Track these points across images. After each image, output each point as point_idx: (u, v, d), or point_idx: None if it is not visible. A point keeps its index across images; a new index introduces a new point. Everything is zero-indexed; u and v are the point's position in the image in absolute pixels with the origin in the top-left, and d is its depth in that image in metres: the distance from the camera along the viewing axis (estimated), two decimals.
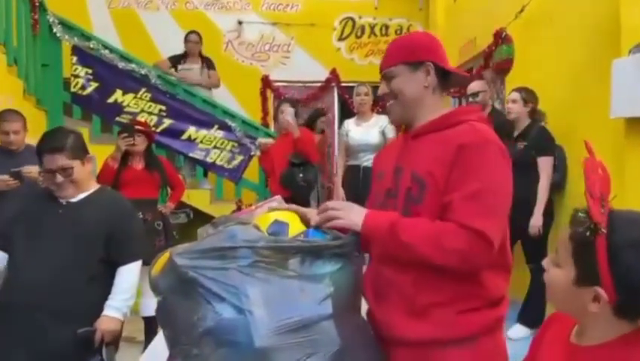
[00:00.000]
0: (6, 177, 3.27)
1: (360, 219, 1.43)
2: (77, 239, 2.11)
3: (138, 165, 3.87)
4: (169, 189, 4.24)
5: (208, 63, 5.90)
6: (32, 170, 3.38)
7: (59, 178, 2.11)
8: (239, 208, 5.01)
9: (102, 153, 3.98)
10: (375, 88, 4.75)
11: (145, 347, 3.53)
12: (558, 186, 3.80)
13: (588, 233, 0.95)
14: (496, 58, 4.92)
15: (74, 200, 2.18)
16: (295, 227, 1.54)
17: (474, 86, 4.35)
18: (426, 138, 1.48)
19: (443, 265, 1.34)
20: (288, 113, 4.37)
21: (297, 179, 4.25)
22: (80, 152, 2.19)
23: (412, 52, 1.53)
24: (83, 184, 2.21)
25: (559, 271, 1.02)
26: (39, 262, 2.05)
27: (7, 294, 2.11)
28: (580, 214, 0.99)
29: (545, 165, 3.64)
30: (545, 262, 1.08)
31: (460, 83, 1.54)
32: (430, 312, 1.40)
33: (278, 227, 1.52)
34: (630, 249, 0.92)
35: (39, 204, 2.19)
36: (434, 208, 1.37)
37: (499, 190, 1.36)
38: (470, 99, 4.26)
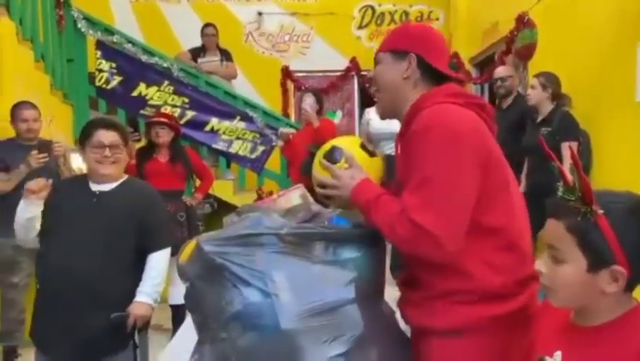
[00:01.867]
0: (35, 152, 3.29)
1: (348, 195, 1.42)
2: (112, 228, 2.17)
3: (164, 157, 3.93)
4: (196, 180, 4.29)
5: (226, 55, 5.94)
6: (61, 143, 3.45)
7: (108, 153, 2.19)
8: (259, 197, 5.06)
9: None
10: None
11: (173, 335, 3.61)
12: (583, 171, 3.74)
13: (588, 218, 0.95)
14: (519, 43, 4.85)
15: (106, 189, 2.25)
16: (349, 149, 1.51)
17: (501, 70, 4.30)
18: (405, 136, 1.43)
19: (401, 250, 1.36)
20: (307, 103, 4.40)
21: None
22: (127, 137, 2.33)
23: (400, 41, 1.49)
24: (120, 170, 2.29)
25: (566, 267, 0.99)
26: (75, 251, 2.11)
27: (44, 281, 2.19)
28: (571, 203, 0.98)
29: (568, 150, 3.58)
30: (541, 265, 1.04)
31: (440, 81, 1.46)
32: (417, 301, 1.43)
33: (333, 151, 1.51)
34: (630, 219, 0.94)
35: (71, 193, 2.25)
36: None
37: (443, 179, 1.26)
38: (499, 82, 4.22)
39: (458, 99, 1.39)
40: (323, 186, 1.49)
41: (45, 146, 3.34)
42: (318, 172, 1.52)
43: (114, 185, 2.26)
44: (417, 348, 1.45)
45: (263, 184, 5.71)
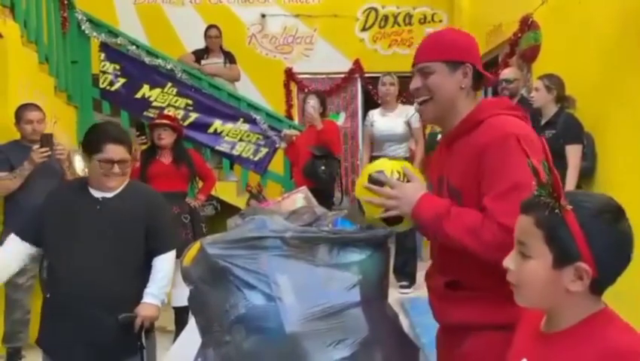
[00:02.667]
0: (36, 146, 3.26)
1: (409, 210, 1.42)
2: (118, 234, 2.16)
3: (167, 159, 3.93)
4: (199, 182, 4.29)
5: (229, 57, 5.95)
6: (63, 146, 3.43)
7: (117, 169, 2.16)
8: (250, 193, 5.06)
9: None
10: (400, 78, 4.77)
11: (176, 337, 3.61)
12: (587, 174, 3.72)
13: (556, 212, 0.96)
14: (523, 45, 4.84)
15: (109, 195, 2.23)
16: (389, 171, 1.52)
17: (508, 72, 4.29)
18: (458, 143, 1.48)
19: (484, 258, 1.33)
20: (310, 105, 4.40)
21: (319, 171, 4.27)
22: (131, 148, 2.28)
23: (452, 51, 1.50)
24: (125, 180, 2.28)
25: (533, 263, 0.99)
26: (84, 260, 2.10)
27: (54, 291, 2.17)
28: (542, 198, 0.99)
29: (573, 154, 3.57)
30: (509, 262, 1.04)
31: (487, 86, 1.51)
32: (464, 298, 1.42)
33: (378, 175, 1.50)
34: (598, 216, 0.95)
35: (73, 200, 2.22)
36: None
37: (527, 184, 1.33)
38: (504, 84, 4.20)
39: (515, 112, 1.47)
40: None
41: (47, 139, 3.33)
42: (363, 192, 1.50)
43: (116, 191, 2.26)
44: (454, 344, 1.46)
45: (266, 186, 5.71)
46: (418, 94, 1.54)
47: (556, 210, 0.96)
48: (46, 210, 2.19)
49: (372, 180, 1.47)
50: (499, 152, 1.35)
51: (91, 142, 2.20)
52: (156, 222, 2.26)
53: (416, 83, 1.53)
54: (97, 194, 2.22)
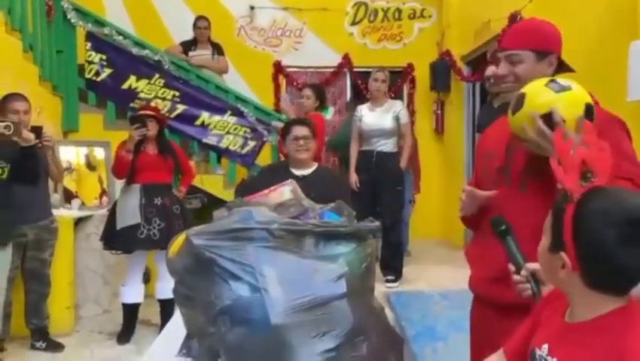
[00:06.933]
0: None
1: None
2: None
3: (153, 150, 3.88)
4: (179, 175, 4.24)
5: (218, 49, 5.90)
6: (50, 135, 3.38)
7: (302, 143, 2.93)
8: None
9: (117, 138, 4.00)
10: (389, 73, 4.77)
11: (161, 330, 3.59)
12: None
13: (562, 201, 0.99)
14: None
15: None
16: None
17: (494, 69, 4.30)
18: None
19: None
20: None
21: None
22: None
23: (542, 41, 1.54)
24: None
25: (543, 240, 1.06)
26: None
27: None
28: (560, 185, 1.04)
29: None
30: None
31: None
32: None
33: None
34: (594, 216, 0.94)
35: None
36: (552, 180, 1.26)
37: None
38: (492, 80, 4.21)
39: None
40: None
41: (35, 132, 3.28)
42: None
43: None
44: (504, 324, 1.44)
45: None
46: (503, 80, 1.57)
47: (562, 199, 1.00)
48: None
49: (544, 115, 1.30)
50: (613, 131, 1.39)
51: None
52: None
53: (503, 69, 1.56)
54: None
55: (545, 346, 1.04)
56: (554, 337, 1.04)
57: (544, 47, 1.53)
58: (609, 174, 1.06)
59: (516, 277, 1.30)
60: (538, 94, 1.35)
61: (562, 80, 1.39)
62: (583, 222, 0.95)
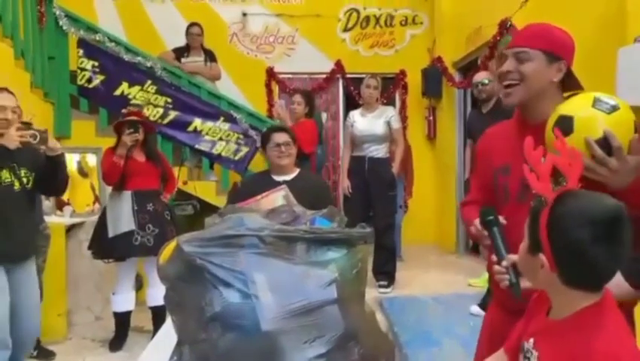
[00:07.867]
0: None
1: (619, 186, 1.27)
2: None
3: (140, 156, 3.85)
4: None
5: (210, 56, 5.91)
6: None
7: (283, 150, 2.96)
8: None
9: (109, 145, 3.99)
10: (381, 79, 4.80)
11: (153, 336, 3.57)
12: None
13: (537, 205, 1.04)
14: (502, 47, 4.90)
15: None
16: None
17: (482, 75, 4.33)
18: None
19: None
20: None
21: None
22: None
23: (554, 45, 1.53)
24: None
25: (522, 243, 1.10)
26: None
27: None
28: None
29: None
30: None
31: (571, 89, 1.52)
32: None
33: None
34: (567, 217, 0.98)
35: None
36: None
37: None
38: (480, 87, 4.24)
39: None
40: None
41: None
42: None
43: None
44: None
45: None
46: (507, 77, 1.55)
47: (538, 203, 1.04)
48: None
49: (600, 140, 1.25)
50: None
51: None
52: None
53: (508, 65, 1.54)
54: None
55: (532, 340, 1.10)
56: (539, 332, 1.10)
57: (555, 51, 1.52)
58: (578, 178, 1.08)
59: (496, 267, 1.33)
60: (589, 117, 1.29)
61: (604, 97, 1.34)
62: (557, 223, 1.00)
